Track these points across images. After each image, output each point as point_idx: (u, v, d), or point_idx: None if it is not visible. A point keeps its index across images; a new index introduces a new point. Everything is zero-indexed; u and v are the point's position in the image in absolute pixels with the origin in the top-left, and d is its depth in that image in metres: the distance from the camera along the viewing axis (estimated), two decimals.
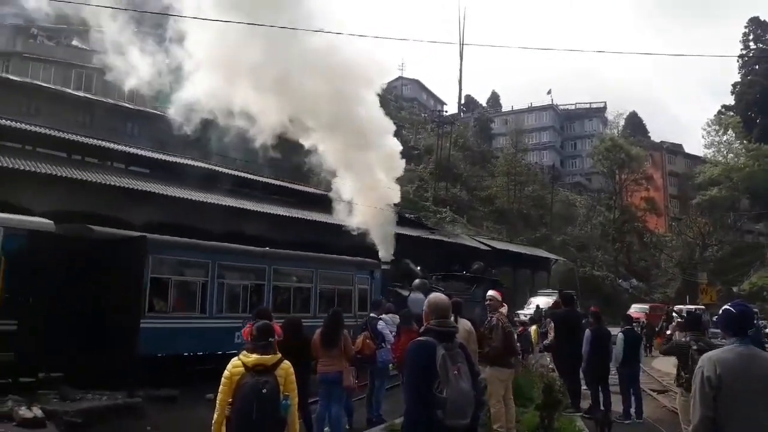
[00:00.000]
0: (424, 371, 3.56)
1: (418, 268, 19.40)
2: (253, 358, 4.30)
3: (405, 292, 15.51)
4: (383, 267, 17.24)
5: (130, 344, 10.76)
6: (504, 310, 7.70)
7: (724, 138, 62.43)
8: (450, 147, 52.31)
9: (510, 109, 79.73)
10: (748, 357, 3.48)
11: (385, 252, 18.54)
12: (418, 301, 14.29)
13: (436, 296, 4.02)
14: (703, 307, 26.66)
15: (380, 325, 9.20)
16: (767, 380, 3.43)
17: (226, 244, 13.59)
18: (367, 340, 8.99)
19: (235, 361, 4.33)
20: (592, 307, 10.76)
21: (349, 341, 7.85)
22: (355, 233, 18.15)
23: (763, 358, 3.59)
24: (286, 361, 4.41)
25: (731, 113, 65.65)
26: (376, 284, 16.00)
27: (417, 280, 17.13)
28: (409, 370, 3.73)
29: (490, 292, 8.10)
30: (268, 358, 4.31)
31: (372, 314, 9.56)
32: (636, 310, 31.64)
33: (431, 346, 3.62)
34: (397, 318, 9.64)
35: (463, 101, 78.21)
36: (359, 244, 18.47)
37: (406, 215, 22.59)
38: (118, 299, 10.95)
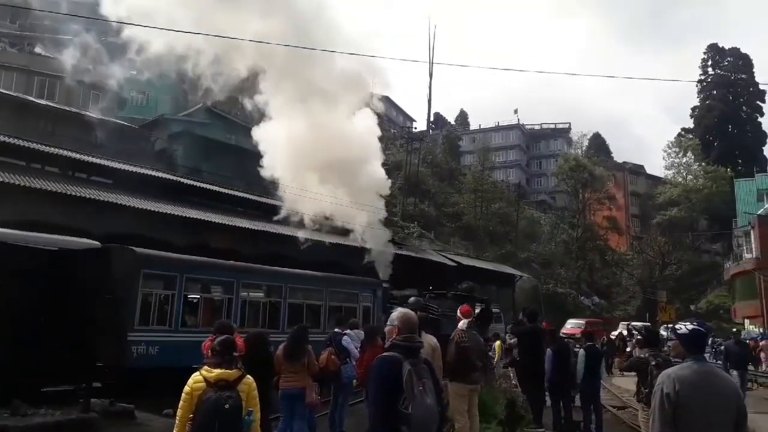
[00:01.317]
0: (390, 387, 3.54)
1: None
2: (216, 373, 4.23)
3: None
4: (384, 286, 18.46)
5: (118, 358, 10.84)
6: (462, 324, 7.72)
7: (684, 160, 64.55)
8: (419, 163, 52.70)
9: (478, 127, 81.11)
10: (706, 374, 3.56)
11: (383, 272, 19.36)
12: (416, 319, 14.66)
13: (407, 312, 4.00)
14: (668, 324, 27.29)
15: (345, 340, 9.13)
16: (723, 397, 3.52)
17: (249, 264, 14.59)
18: (332, 356, 8.91)
19: (196, 376, 4.25)
20: (544, 322, 10.86)
21: (313, 356, 7.79)
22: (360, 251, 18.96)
23: (719, 376, 3.68)
24: (249, 377, 4.34)
25: (690, 136, 67.92)
26: (378, 302, 16.94)
27: (412, 298, 17.09)
28: (374, 386, 3.70)
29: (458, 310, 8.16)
30: (231, 374, 4.25)
31: (337, 329, 9.49)
32: (572, 326, 32.27)
33: (397, 361, 3.60)
34: (362, 333, 9.59)
35: (432, 119, 79.09)
36: (324, 260, 18.64)
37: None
38: (101, 312, 10.93)
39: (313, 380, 7.83)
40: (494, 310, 21.61)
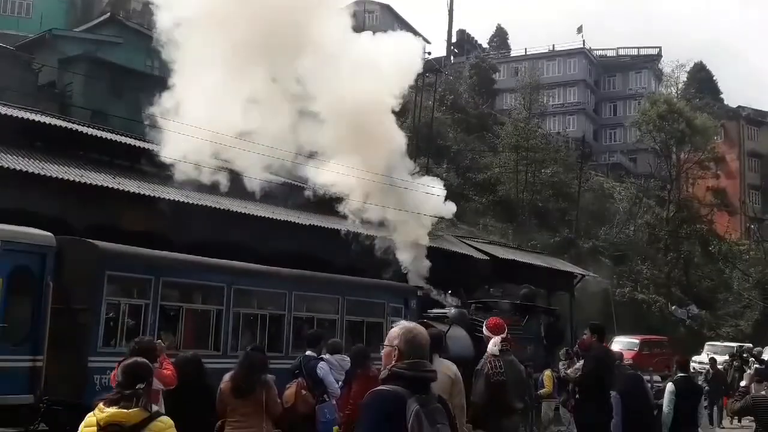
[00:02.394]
0: None
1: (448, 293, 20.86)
2: (108, 413, 4.29)
3: (443, 327, 16.24)
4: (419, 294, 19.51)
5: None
6: (493, 347, 7.73)
7: None
8: (434, 106, 52.52)
9: (523, 53, 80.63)
10: None
11: (416, 276, 20.24)
12: (460, 339, 15.94)
13: (413, 327, 4.04)
14: None
15: (321, 368, 9.19)
16: None
17: (243, 264, 15.72)
18: (303, 391, 8.99)
19: (89, 417, 4.35)
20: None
21: (274, 392, 7.84)
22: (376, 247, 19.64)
23: None
24: (162, 419, 4.39)
25: None
26: (412, 315, 17.71)
27: (453, 310, 18.16)
28: (361, 431, 3.72)
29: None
30: (130, 414, 4.29)
31: (309, 352, 9.55)
32: (621, 346, 32.36)
33: (399, 399, 3.63)
34: (346, 361, 9.67)
35: (454, 39, 78.69)
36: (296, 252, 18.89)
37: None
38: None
39: (275, 426, 7.88)
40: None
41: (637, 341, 34.36)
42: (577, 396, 10.99)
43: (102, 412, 4.30)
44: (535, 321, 21.28)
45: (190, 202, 19.20)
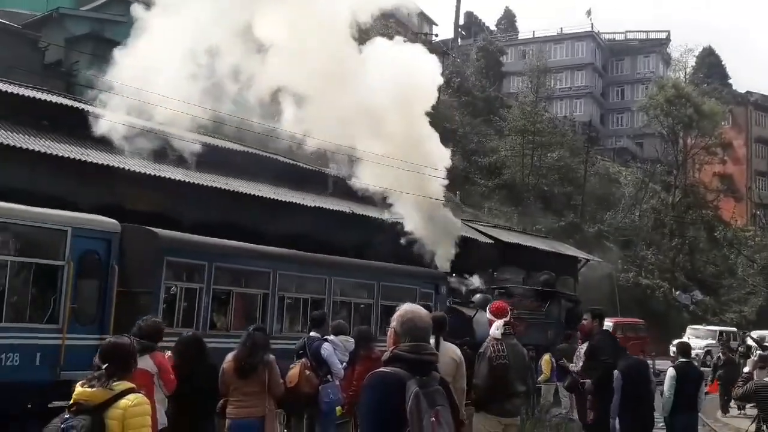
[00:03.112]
0: (388, 417, 3.61)
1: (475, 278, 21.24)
2: (76, 392, 4.35)
3: (469, 311, 16.86)
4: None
5: None
6: (495, 330, 7.76)
7: None
8: (441, 88, 52.39)
9: (531, 35, 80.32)
10: None
11: (444, 260, 20.75)
12: (485, 324, 15.42)
13: (413, 309, 4.07)
14: None
15: (325, 349, 9.24)
16: None
17: (286, 250, 16.35)
18: (306, 371, 9.03)
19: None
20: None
21: (277, 372, 7.88)
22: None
23: None
24: (130, 396, 4.39)
25: None
26: (441, 300, 18.59)
27: (478, 295, 18.53)
28: (365, 415, 3.77)
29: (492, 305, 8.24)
30: (93, 394, 4.32)
31: (313, 333, 9.60)
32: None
33: (399, 380, 3.67)
34: (351, 342, 9.70)
35: (462, 21, 78.29)
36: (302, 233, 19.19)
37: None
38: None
39: (278, 406, 7.93)
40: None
41: (611, 324, 34.36)
42: (577, 377, 11.02)
43: (74, 391, 4.38)
44: (555, 306, 21.88)
45: (195, 182, 19.19)
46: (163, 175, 18.58)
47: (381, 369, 3.84)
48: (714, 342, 35.08)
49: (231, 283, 14.88)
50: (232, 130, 22.26)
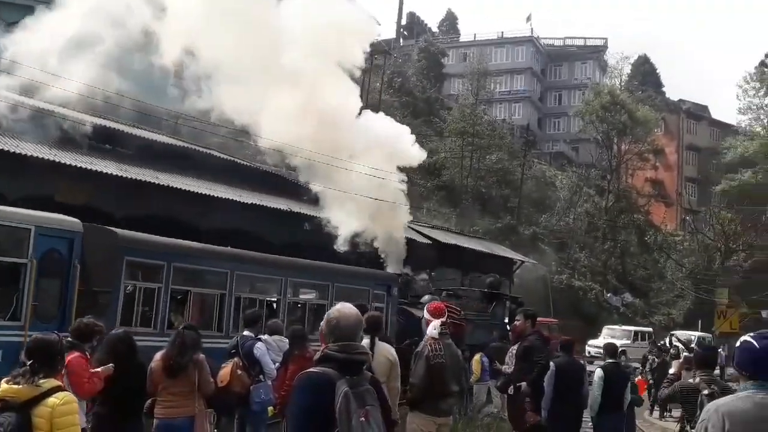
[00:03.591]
0: (316, 417, 3.61)
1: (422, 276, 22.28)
2: (1, 389, 4.31)
3: (418, 312, 16.88)
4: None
5: None
6: (433, 330, 7.79)
7: (766, 101, 65.89)
8: (381, 88, 52.46)
9: (472, 38, 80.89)
10: None
11: (396, 263, 21.53)
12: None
13: (345, 308, 4.10)
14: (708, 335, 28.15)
15: (258, 348, 9.16)
16: None
17: (244, 251, 16.46)
18: (238, 371, 8.94)
19: None
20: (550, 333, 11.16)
21: (206, 370, 7.81)
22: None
23: None
24: (59, 395, 4.34)
25: None
26: (393, 301, 18.88)
27: (426, 296, 19.19)
28: (294, 416, 3.76)
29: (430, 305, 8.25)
30: (19, 391, 4.26)
31: (246, 332, 9.51)
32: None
33: (328, 380, 3.68)
34: (285, 342, 9.65)
35: (404, 22, 78.55)
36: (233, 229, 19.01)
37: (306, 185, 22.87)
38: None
39: (207, 405, 7.84)
40: None
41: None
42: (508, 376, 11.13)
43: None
44: (500, 308, 22.46)
45: (128, 176, 18.83)
46: (95, 169, 18.17)
47: (311, 369, 3.85)
48: (629, 342, 35.74)
49: (189, 283, 14.92)
50: (169, 123, 22.10)
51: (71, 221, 12.75)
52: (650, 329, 41.74)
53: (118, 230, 13.81)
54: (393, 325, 17.82)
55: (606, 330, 38.06)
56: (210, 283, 15.58)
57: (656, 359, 22.22)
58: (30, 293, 11.64)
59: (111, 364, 7.08)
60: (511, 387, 10.15)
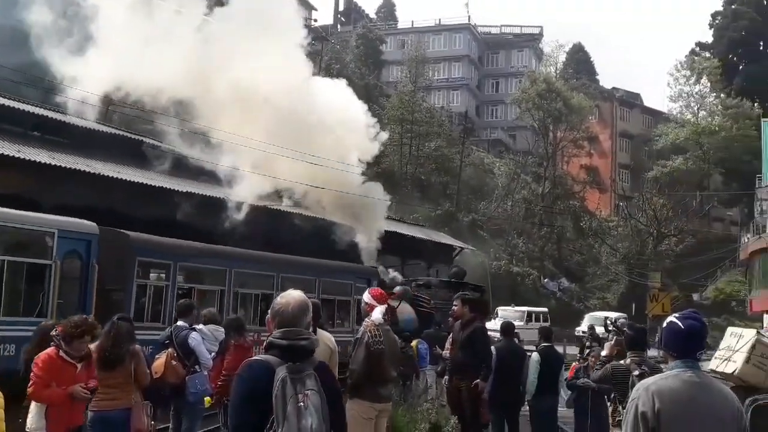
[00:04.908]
0: (255, 404, 3.61)
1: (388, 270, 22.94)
2: None
3: (394, 303, 17.05)
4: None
5: None
6: (376, 315, 7.76)
7: (696, 88, 67.68)
8: (320, 74, 52.22)
9: (410, 25, 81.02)
10: (697, 386, 3.78)
11: (370, 254, 22.90)
12: (406, 313, 17.38)
13: (289, 295, 4.07)
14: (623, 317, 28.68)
15: (193, 338, 9.04)
16: (719, 418, 3.75)
17: (241, 250, 17.85)
18: (173, 361, 8.82)
19: None
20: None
21: (143, 361, 7.71)
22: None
23: (715, 388, 3.90)
24: None
25: (707, 54, 70.86)
26: None
27: (398, 287, 19.31)
28: (234, 404, 3.79)
29: (366, 293, 8.19)
30: None
31: (180, 322, 9.37)
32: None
33: (268, 367, 3.67)
34: (220, 331, 9.54)
35: (342, 8, 78.29)
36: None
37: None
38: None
39: (144, 397, 7.73)
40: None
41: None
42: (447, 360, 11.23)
43: None
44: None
45: (58, 164, 18.38)
46: (25, 157, 17.70)
47: (253, 357, 3.91)
48: (522, 323, 35.17)
49: (192, 280, 16.33)
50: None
51: (89, 225, 13.86)
52: (545, 309, 41.55)
53: (130, 232, 14.80)
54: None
55: (500, 311, 37.93)
56: (211, 280, 16.80)
57: (593, 345, 22.53)
58: (55, 292, 12.70)
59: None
60: (469, 381, 10.16)
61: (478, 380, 9.92)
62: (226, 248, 17.45)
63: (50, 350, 6.88)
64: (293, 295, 4.05)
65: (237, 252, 17.61)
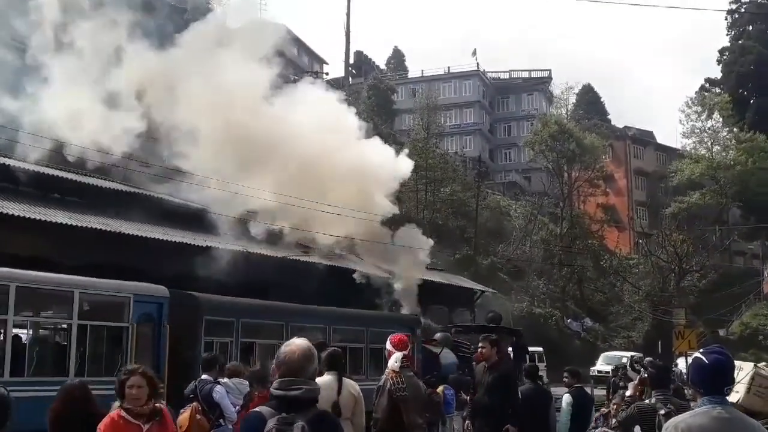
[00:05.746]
0: None
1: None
2: None
3: (436, 349, 19.42)
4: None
5: None
6: (394, 362, 7.67)
7: (708, 124, 67.62)
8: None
9: (420, 74, 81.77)
10: (727, 422, 3.70)
11: (410, 305, 23.99)
12: (448, 358, 18.70)
13: (287, 344, 4.06)
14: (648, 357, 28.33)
15: (217, 392, 8.99)
16: None
17: (297, 305, 18.91)
18: (198, 415, 8.77)
19: None
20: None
21: (168, 416, 7.55)
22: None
23: (746, 423, 3.81)
24: None
25: (718, 90, 71.00)
26: (417, 341, 20.04)
27: (439, 334, 21.07)
28: None
29: (388, 340, 8.11)
30: None
31: (204, 376, 9.33)
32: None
33: (260, 418, 3.72)
34: (244, 384, 9.50)
35: (352, 60, 79.07)
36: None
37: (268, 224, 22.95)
38: None
39: None
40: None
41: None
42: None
43: None
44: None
45: (76, 224, 18.53)
46: (42, 219, 17.88)
47: (252, 409, 3.98)
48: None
49: (253, 335, 17.28)
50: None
51: (160, 288, 14.83)
52: (540, 349, 41.14)
53: (198, 294, 15.94)
54: (418, 363, 18.82)
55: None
56: (270, 334, 17.54)
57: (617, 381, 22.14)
58: (132, 352, 13.72)
59: None
60: (494, 425, 9.95)
61: (508, 426, 9.71)
62: (282, 304, 18.41)
63: (113, 413, 6.74)
64: (298, 344, 4.02)
65: (292, 307, 18.53)
